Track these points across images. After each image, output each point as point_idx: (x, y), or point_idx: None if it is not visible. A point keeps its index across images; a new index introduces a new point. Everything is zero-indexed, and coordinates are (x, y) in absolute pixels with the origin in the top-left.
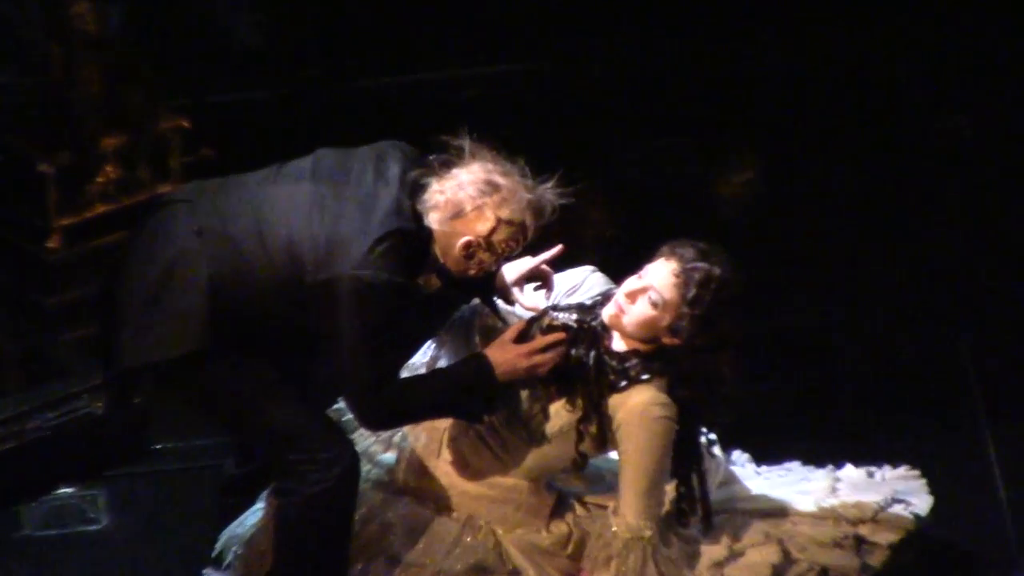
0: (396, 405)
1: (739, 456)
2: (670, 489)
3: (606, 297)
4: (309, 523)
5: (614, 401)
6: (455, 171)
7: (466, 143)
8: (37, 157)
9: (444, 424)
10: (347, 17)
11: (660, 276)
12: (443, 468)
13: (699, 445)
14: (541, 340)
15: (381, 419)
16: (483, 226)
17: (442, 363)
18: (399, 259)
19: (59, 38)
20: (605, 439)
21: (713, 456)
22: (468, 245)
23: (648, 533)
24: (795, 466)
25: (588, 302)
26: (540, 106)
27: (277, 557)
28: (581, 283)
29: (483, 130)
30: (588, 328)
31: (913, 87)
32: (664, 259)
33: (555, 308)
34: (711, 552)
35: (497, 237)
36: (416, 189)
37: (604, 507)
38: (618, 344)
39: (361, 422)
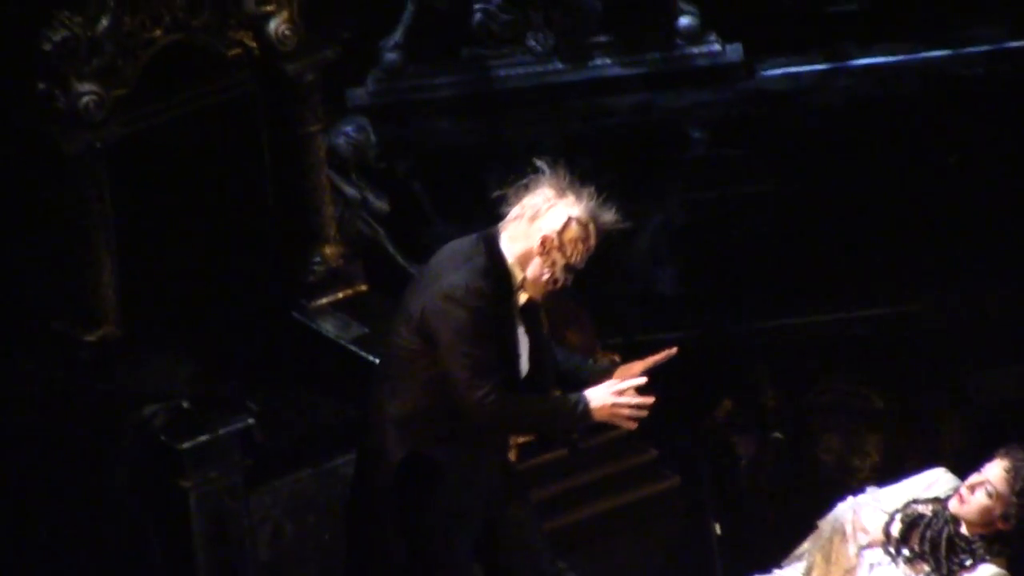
0: (501, 412)
1: None
2: None
3: (956, 492)
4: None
5: None
6: (532, 189)
7: (542, 170)
8: None
9: None
10: (749, 268)
11: (995, 472)
12: None
13: None
14: (631, 389)
15: (482, 419)
16: (557, 222)
17: None
18: (480, 275)
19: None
20: None
21: None
22: (544, 241)
23: None
24: None
25: (942, 495)
26: None
27: None
28: (935, 481)
29: None
30: (941, 515)
31: None
32: (999, 459)
33: (915, 501)
34: None
35: (568, 235)
36: (494, 230)
37: None
38: (966, 530)
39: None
